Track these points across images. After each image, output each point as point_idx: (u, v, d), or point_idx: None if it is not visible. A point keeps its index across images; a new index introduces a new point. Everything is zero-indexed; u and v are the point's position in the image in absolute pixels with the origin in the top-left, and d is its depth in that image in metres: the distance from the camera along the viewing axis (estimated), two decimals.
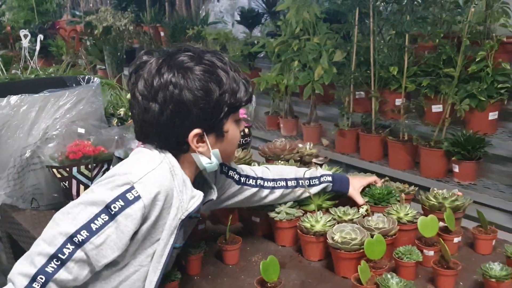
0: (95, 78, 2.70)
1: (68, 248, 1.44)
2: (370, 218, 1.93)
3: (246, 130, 2.73)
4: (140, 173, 1.51)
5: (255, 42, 5.32)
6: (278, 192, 2.02)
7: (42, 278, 1.43)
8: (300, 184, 2.08)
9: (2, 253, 4.59)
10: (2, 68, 4.61)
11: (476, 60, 3.49)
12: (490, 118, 3.57)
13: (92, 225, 1.45)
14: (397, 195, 2.14)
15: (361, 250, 1.76)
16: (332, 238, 1.81)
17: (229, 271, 1.91)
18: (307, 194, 2.09)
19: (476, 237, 1.96)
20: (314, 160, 2.49)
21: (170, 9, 7.22)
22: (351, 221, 1.95)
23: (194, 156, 1.64)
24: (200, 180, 1.78)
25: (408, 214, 1.96)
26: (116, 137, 2.32)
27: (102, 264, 1.49)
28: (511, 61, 3.60)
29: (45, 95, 2.29)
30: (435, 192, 2.06)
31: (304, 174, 2.10)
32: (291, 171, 2.11)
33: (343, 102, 4.30)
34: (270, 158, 2.46)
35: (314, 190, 2.12)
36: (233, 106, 1.61)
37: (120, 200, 1.46)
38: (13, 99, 2.26)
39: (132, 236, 1.50)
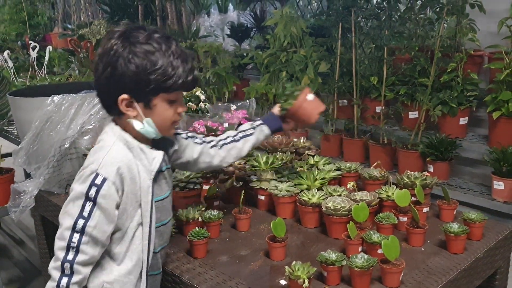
0: None
1: (75, 237, 1.73)
2: (355, 193, 2.36)
3: None
4: (99, 159, 1.77)
5: (244, 54, 5.53)
6: (229, 145, 2.26)
7: (67, 265, 1.73)
8: (242, 133, 2.30)
9: (14, 249, 4.92)
10: (16, 76, 4.95)
11: (448, 71, 3.70)
12: (460, 123, 3.81)
13: (83, 213, 1.73)
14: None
15: (349, 216, 2.19)
16: (326, 206, 2.23)
17: (243, 236, 2.34)
18: (250, 143, 2.28)
19: (440, 208, 2.41)
20: (307, 152, 2.87)
21: (162, 23, 7.35)
22: (339, 196, 2.37)
23: (128, 120, 1.84)
24: (160, 139, 1.98)
25: (394, 193, 2.37)
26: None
27: (106, 237, 1.78)
28: (479, 72, 3.83)
29: (83, 95, 2.63)
30: (408, 173, 2.49)
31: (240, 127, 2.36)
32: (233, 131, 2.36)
33: (328, 110, 4.47)
34: (269, 151, 2.85)
35: (253, 138, 2.29)
36: (162, 87, 1.77)
37: (92, 187, 1.72)
38: (56, 98, 2.60)
39: (118, 206, 1.78)
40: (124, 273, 1.86)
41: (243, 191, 2.45)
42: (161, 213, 1.97)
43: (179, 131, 2.15)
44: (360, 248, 2.06)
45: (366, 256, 1.89)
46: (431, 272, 1.98)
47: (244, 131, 2.32)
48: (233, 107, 3.19)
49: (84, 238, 1.73)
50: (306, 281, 1.77)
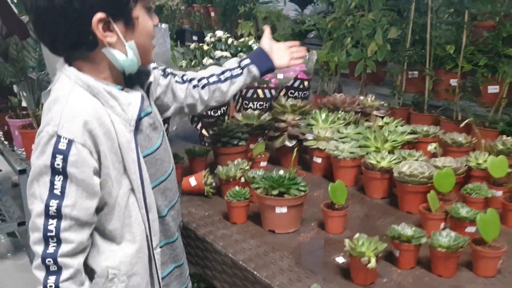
0: (162, 24, 2.73)
1: (52, 224, 1.35)
2: (437, 158, 1.91)
3: (306, 83, 2.72)
4: (56, 117, 1.37)
5: (306, 20, 5.18)
6: (212, 86, 1.91)
7: (50, 261, 1.36)
8: (229, 72, 1.95)
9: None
10: None
11: None
12: None
13: (54, 191, 1.35)
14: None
15: (429, 185, 1.74)
16: (400, 172, 1.79)
17: None
18: (236, 86, 1.94)
19: None
20: (375, 112, 2.46)
21: None
22: (416, 161, 1.92)
23: (106, 52, 1.42)
24: (134, 74, 1.57)
25: (486, 161, 1.92)
26: None
27: (92, 215, 1.41)
28: None
29: None
30: (503, 139, 2.03)
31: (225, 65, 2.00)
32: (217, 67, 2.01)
33: (395, 81, 4.17)
34: (330, 110, 2.45)
35: (240, 80, 1.94)
36: None
37: (57, 155, 1.33)
38: None
39: (97, 173, 1.41)
40: (128, 252, 1.48)
41: (295, 151, 2.04)
42: (156, 168, 1.58)
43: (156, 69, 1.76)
44: (442, 225, 1.63)
45: (453, 233, 1.45)
46: None
47: (230, 70, 1.96)
48: None
49: (64, 223, 1.35)
50: (373, 260, 1.35)
